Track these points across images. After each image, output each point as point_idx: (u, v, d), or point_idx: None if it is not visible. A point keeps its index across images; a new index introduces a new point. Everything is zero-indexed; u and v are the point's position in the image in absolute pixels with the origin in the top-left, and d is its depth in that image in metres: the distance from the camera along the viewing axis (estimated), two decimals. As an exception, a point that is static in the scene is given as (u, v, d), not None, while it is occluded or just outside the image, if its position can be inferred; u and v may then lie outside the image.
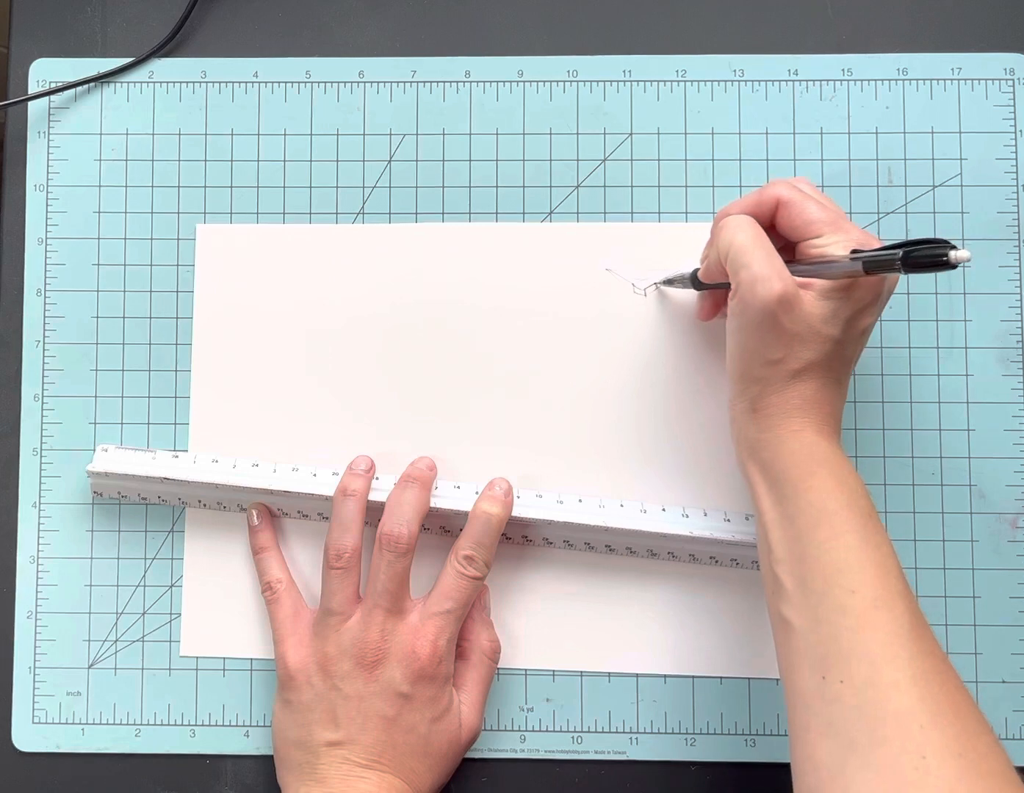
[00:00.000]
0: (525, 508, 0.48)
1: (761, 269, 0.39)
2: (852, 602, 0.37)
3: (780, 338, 0.40)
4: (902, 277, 0.50)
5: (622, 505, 0.48)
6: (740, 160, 0.51)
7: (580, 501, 0.48)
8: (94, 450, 0.50)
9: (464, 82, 0.52)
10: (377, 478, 0.48)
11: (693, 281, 0.47)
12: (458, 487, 0.48)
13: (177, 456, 0.49)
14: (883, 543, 0.38)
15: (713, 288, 0.46)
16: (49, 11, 0.53)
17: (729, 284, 0.42)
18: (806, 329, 0.40)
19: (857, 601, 0.37)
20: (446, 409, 0.50)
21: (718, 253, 0.42)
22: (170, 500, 0.50)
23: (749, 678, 0.49)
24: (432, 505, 0.47)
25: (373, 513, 0.48)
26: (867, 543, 0.38)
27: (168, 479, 0.48)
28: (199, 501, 0.50)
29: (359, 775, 0.43)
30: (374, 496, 0.47)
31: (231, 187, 0.51)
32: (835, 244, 0.40)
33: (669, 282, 0.49)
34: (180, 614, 0.50)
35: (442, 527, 0.49)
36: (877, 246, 0.39)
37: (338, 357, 0.50)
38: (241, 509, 0.50)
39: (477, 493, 0.48)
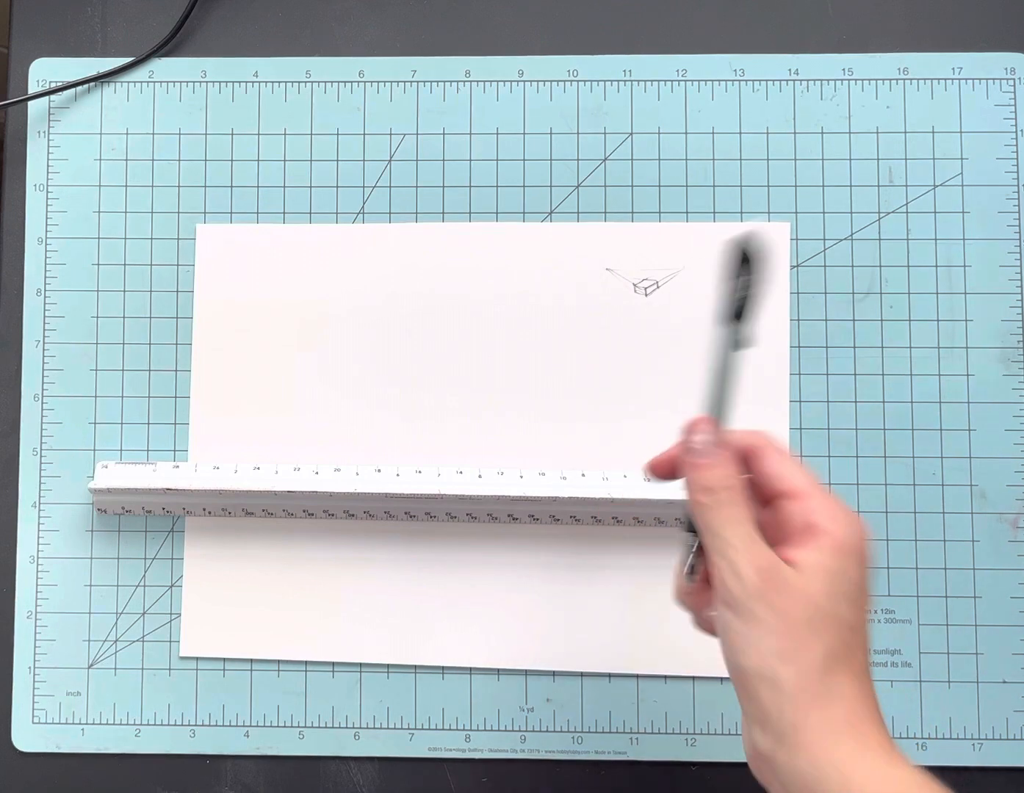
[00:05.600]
0: (512, 487, 0.48)
1: None
2: None
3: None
4: (907, 276, 0.50)
5: (606, 478, 0.48)
6: (740, 160, 0.51)
7: (564, 478, 0.48)
8: (94, 450, 0.50)
9: (464, 82, 0.52)
10: (381, 470, 0.48)
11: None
12: (460, 472, 0.48)
13: (178, 466, 0.49)
14: None
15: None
16: (49, 11, 0.53)
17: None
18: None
19: None
20: (447, 409, 0.50)
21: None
22: (174, 511, 0.50)
23: (749, 678, 0.49)
24: (437, 492, 0.48)
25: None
26: None
27: (171, 490, 0.48)
28: (203, 509, 0.49)
29: None
30: (358, 487, 0.47)
31: (231, 187, 0.51)
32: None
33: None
34: (180, 614, 0.50)
35: (448, 513, 0.49)
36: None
37: (338, 356, 0.50)
38: (246, 514, 0.50)
39: (480, 478, 0.48)
